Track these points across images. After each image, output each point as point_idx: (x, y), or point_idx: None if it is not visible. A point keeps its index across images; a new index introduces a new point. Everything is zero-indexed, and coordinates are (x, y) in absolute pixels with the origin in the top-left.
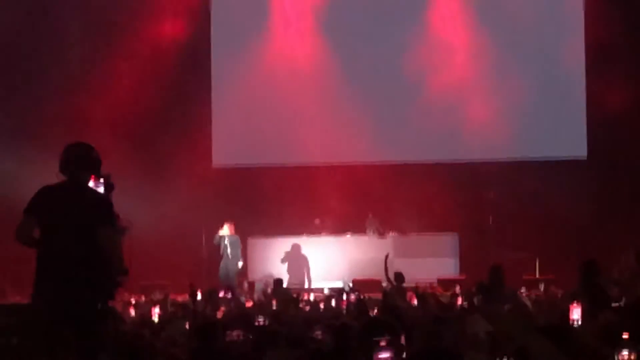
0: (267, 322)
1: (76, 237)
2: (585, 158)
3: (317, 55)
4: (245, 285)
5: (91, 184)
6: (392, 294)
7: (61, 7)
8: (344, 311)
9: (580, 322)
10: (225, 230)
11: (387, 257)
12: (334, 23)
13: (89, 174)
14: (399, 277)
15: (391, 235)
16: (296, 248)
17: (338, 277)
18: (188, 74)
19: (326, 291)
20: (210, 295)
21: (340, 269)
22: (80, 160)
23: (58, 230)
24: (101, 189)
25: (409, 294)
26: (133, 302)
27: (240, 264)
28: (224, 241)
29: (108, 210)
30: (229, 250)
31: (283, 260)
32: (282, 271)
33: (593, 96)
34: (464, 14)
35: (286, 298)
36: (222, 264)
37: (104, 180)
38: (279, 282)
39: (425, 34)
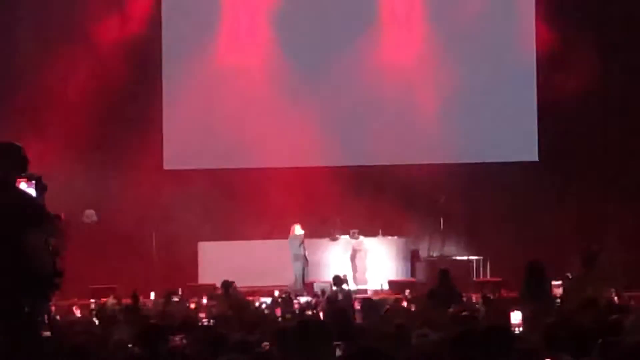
0: (212, 323)
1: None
2: (537, 161)
3: (270, 58)
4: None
5: (24, 185)
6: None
7: (12, 7)
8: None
9: (521, 327)
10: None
11: None
12: (286, 26)
13: (14, 173)
14: (338, 280)
15: (343, 238)
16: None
17: (289, 280)
18: (139, 76)
19: (276, 294)
20: (167, 298)
21: (291, 272)
22: (5, 159)
23: None
24: (32, 191)
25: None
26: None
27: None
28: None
29: (34, 211)
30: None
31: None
32: (232, 274)
33: (544, 99)
34: (415, 20)
35: (235, 301)
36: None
37: (36, 181)
38: (227, 284)
39: (378, 39)
